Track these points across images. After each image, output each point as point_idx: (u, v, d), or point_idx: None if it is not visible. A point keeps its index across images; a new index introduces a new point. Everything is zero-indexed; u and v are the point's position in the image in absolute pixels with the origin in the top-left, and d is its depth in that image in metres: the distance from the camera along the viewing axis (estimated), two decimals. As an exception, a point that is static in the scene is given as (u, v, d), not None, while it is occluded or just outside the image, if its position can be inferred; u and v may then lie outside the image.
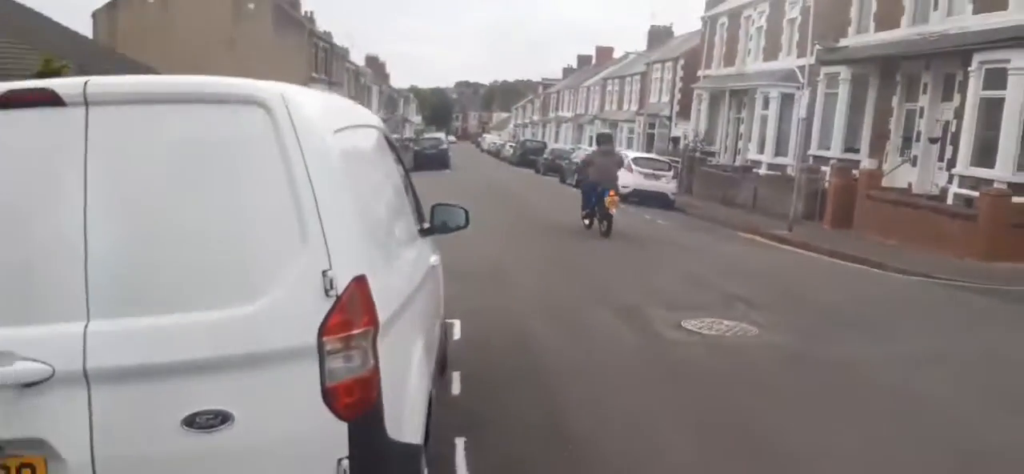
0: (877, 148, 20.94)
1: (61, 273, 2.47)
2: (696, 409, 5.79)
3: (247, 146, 2.58)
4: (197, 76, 2.76)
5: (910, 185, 19.13)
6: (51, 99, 2.54)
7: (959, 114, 17.21)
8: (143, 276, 2.50)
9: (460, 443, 4.83)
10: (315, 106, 2.80)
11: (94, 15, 40.99)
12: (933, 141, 18.90)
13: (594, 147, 22.04)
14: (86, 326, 2.43)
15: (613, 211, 15.47)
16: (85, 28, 34.70)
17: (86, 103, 2.54)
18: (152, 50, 30.15)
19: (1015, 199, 14.60)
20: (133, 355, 2.44)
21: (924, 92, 19.31)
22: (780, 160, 26.10)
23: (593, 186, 15.85)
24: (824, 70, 22.96)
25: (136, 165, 2.56)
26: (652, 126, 44.79)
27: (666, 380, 6.50)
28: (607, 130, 34.65)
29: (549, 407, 5.63)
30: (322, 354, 2.51)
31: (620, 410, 5.68)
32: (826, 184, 20.84)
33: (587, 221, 16.35)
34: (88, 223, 2.48)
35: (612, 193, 15.41)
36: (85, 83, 2.56)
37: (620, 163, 17.64)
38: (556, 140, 66.99)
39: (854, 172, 19.94)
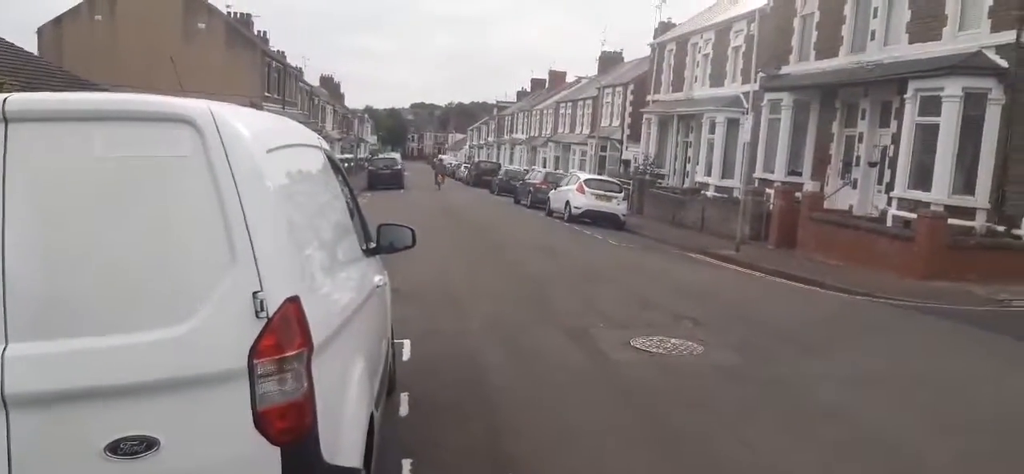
0: (819, 171, 21.54)
1: None
2: (640, 428, 5.84)
3: (175, 165, 2.52)
4: (124, 94, 2.72)
5: (851, 207, 19.70)
6: None
7: (896, 139, 17.83)
8: (65, 298, 2.42)
9: (407, 465, 4.81)
10: (247, 125, 2.73)
11: (39, 31, 39.91)
12: (872, 165, 19.52)
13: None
14: (3, 350, 2.35)
15: (442, 184, 48.84)
16: (30, 44, 33.72)
17: (4, 120, 2.47)
18: (100, 68, 29.45)
19: (950, 221, 15.13)
20: (53, 380, 2.36)
21: (863, 118, 19.97)
22: (727, 182, 26.65)
23: (437, 173, 54.23)
24: (767, 96, 23.58)
25: (58, 184, 2.49)
26: (604, 149, 45.32)
27: (613, 399, 6.55)
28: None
29: (496, 427, 5.63)
30: (253, 377, 2.46)
31: (567, 429, 5.70)
32: (771, 206, 21.33)
33: (437, 185, 46.82)
34: (6, 244, 2.40)
35: (442, 176, 53.11)
36: (3, 100, 2.48)
37: (445, 170, 61.71)
38: (510, 161, 67.33)
39: (797, 195, 20.46)
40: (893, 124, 18.44)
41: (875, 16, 19.61)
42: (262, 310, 2.47)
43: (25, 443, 2.35)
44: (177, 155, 2.51)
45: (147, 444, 2.39)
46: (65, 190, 2.49)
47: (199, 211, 2.50)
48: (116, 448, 2.37)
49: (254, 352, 2.46)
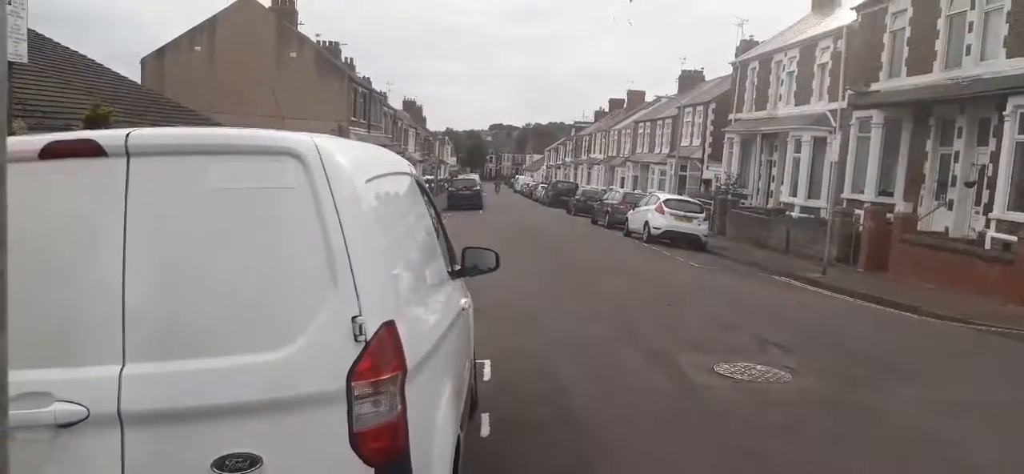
0: (912, 192, 20.70)
1: (99, 317, 2.53)
2: (730, 455, 5.74)
3: (282, 196, 2.64)
4: (235, 129, 2.86)
5: (946, 229, 18.86)
6: (94, 150, 2.64)
7: (995, 158, 17.02)
8: (178, 321, 2.56)
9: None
10: (348, 156, 2.86)
11: (143, 62, 42.27)
12: (969, 185, 18.65)
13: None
14: (121, 369, 2.49)
15: (499, 191, 76.76)
16: (134, 73, 35.79)
17: (127, 154, 2.64)
18: (198, 95, 30.93)
19: (1056, 244, 14.32)
20: (166, 398, 2.49)
21: (958, 136, 19.11)
22: (813, 203, 25.92)
23: (496, 184, 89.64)
24: (856, 114, 22.86)
25: (174, 214, 2.64)
26: (684, 168, 44.75)
27: (700, 425, 6.45)
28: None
29: (581, 449, 5.64)
30: (351, 399, 2.54)
31: (655, 454, 5.66)
32: (860, 227, 20.62)
33: (495, 190, 74.69)
34: (127, 269, 2.55)
35: (499, 186, 78.42)
36: (127, 135, 2.66)
37: (502, 183, 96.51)
38: (588, 181, 67.19)
39: (888, 216, 19.71)
40: (992, 142, 17.57)
41: (970, 30, 18.79)
42: (361, 334, 2.56)
43: (138, 458, 2.49)
44: (284, 186, 2.64)
45: (251, 461, 2.49)
46: (181, 219, 2.64)
47: (303, 239, 2.61)
48: (222, 464, 2.48)
49: (352, 374, 2.55)
